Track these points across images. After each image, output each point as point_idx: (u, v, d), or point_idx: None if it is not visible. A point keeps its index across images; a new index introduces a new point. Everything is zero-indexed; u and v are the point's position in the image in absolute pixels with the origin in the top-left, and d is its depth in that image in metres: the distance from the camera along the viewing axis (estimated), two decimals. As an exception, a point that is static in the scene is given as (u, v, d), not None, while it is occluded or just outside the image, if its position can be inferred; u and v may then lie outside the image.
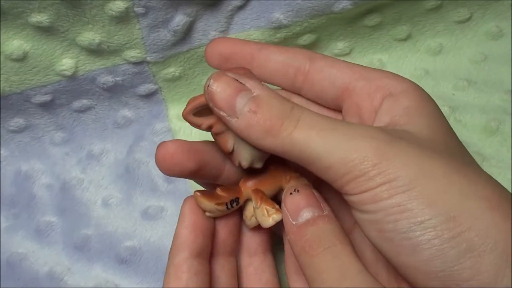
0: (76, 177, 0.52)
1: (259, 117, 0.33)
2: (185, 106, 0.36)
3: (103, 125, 0.53)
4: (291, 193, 0.36)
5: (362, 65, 0.39)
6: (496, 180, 0.33)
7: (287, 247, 0.41)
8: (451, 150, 0.34)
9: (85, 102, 0.51)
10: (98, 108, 0.52)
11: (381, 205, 0.31)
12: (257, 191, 0.38)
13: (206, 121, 0.36)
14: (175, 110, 0.54)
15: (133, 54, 0.48)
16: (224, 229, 0.40)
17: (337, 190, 0.33)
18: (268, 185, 0.39)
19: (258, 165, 0.37)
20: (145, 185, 0.51)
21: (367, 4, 0.50)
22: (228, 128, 0.35)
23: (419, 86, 0.37)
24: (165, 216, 0.50)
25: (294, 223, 0.35)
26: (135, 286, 0.48)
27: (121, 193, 0.51)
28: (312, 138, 0.32)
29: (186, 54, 0.50)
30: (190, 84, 0.53)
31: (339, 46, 0.54)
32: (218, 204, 0.38)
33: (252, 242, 0.41)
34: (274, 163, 0.39)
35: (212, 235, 0.39)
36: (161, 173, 0.46)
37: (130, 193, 0.51)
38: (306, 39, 0.51)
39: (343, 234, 0.35)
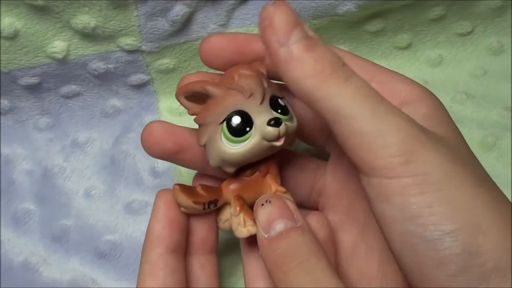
0: (59, 165, 0.51)
1: (312, 55, 0.31)
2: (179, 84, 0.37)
3: (91, 113, 0.52)
4: (262, 204, 0.35)
5: (374, 64, 0.38)
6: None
7: (244, 250, 0.39)
8: (470, 160, 0.33)
9: (73, 87, 0.50)
10: (86, 95, 0.51)
11: (411, 201, 0.29)
12: (238, 197, 0.37)
13: (194, 107, 0.36)
14: (166, 103, 0.53)
15: (128, 41, 0.47)
16: (203, 226, 0.39)
17: (357, 168, 0.31)
18: (251, 192, 0.38)
19: (228, 169, 0.36)
20: (130, 178, 0.50)
21: (371, 8, 0.49)
22: (209, 123, 0.35)
23: (431, 92, 0.36)
24: (149, 211, 0.44)
25: (266, 236, 0.33)
26: (113, 283, 0.47)
27: (104, 185, 0.50)
28: (357, 97, 0.30)
29: (183, 46, 0.49)
30: None
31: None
32: (195, 202, 0.37)
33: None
34: (263, 171, 0.38)
35: (187, 231, 0.38)
36: (147, 167, 0.48)
37: (114, 185, 0.50)
38: None
39: (317, 246, 0.33)
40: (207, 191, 0.37)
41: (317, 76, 0.30)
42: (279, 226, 0.33)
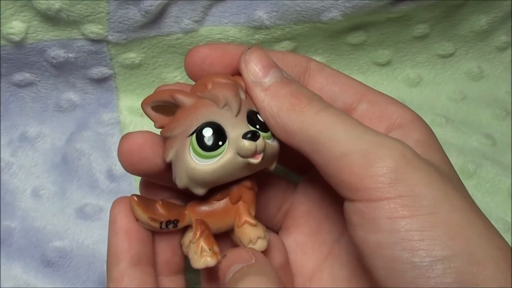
0: (5, 159, 0.48)
1: (288, 90, 0.32)
2: (145, 97, 0.33)
3: (43, 105, 0.49)
4: (224, 256, 0.33)
5: (363, 84, 0.37)
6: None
7: (202, 271, 0.37)
8: (461, 187, 0.32)
9: (27, 76, 0.47)
10: (40, 85, 0.48)
11: (400, 224, 0.27)
12: (200, 222, 0.34)
13: (161, 119, 0.33)
14: (127, 101, 0.50)
15: (93, 29, 0.44)
16: (167, 248, 0.36)
17: (341, 195, 0.30)
18: (218, 219, 0.35)
19: (198, 191, 0.33)
20: (83, 180, 0.47)
21: (356, 18, 0.48)
22: (177, 136, 0.32)
23: (421, 118, 0.35)
24: (103, 217, 0.46)
25: None
26: None
27: (54, 185, 0.47)
28: (337, 122, 0.30)
29: (152, 40, 0.46)
30: (149, 75, 0.49)
31: (316, 59, 0.50)
32: (151, 219, 0.33)
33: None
34: (235, 196, 0.34)
35: (151, 240, 0.35)
36: (103, 169, 0.46)
37: (65, 187, 0.47)
38: (285, 46, 0.49)
39: (269, 271, 0.31)
40: (167, 209, 0.34)
41: (293, 109, 0.31)
42: (231, 271, 0.31)
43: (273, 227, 0.39)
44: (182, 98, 0.32)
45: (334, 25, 0.47)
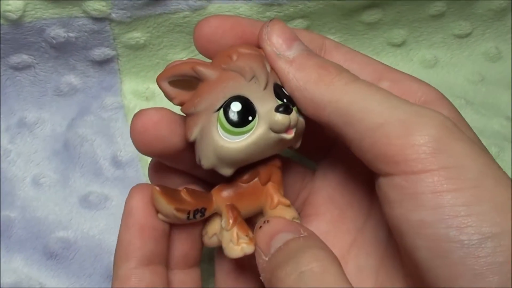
0: (2, 146, 0.46)
1: (315, 61, 0.31)
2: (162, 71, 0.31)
3: (42, 90, 0.47)
4: (260, 227, 0.31)
5: (381, 62, 0.36)
6: None
7: (218, 262, 0.36)
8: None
9: (25, 58, 0.45)
10: (39, 68, 0.46)
11: (444, 199, 0.26)
12: (232, 207, 0.32)
13: (181, 95, 0.31)
14: (131, 84, 0.48)
15: (96, 6, 0.42)
16: (186, 241, 0.34)
17: (377, 170, 0.29)
18: (247, 202, 0.33)
19: (225, 171, 0.31)
20: (87, 167, 0.46)
21: None
22: (202, 112, 0.30)
23: (444, 96, 0.34)
24: (109, 206, 0.44)
25: (266, 259, 0.30)
26: None
27: (56, 173, 0.46)
28: (370, 92, 0.29)
29: (158, 19, 0.45)
30: (154, 56, 0.47)
31: (329, 39, 0.50)
32: (178, 210, 0.31)
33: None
34: (264, 177, 0.33)
35: (167, 237, 0.33)
36: (107, 155, 0.46)
37: (68, 174, 0.46)
38: (297, 24, 0.47)
39: (325, 253, 0.29)
40: (194, 197, 0.32)
41: (321, 80, 0.30)
42: (280, 240, 0.30)
43: None
44: (205, 71, 0.30)
45: (349, 2, 0.46)
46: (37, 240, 0.44)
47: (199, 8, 0.44)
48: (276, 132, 0.30)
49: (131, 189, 0.32)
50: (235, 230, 0.31)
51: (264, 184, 0.33)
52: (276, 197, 0.33)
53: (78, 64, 0.47)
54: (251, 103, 0.30)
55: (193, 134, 0.30)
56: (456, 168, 0.26)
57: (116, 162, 0.46)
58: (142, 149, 0.31)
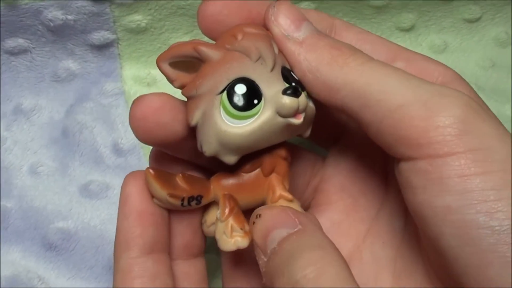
0: None
1: (326, 41, 0.30)
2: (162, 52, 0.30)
3: (39, 75, 0.46)
4: (254, 223, 0.30)
5: (394, 43, 0.35)
6: None
7: (223, 252, 0.34)
8: None
9: (21, 42, 0.45)
10: (36, 53, 0.46)
11: (473, 183, 0.25)
12: (229, 197, 0.31)
13: (182, 77, 0.29)
14: (131, 70, 0.47)
15: None
16: (187, 229, 0.33)
17: (397, 154, 0.28)
18: (247, 194, 0.32)
19: (228, 159, 0.30)
20: (87, 155, 0.45)
21: None
22: (204, 95, 0.29)
23: (461, 76, 0.33)
24: (110, 195, 0.44)
25: (265, 259, 0.29)
26: (65, 281, 0.42)
27: (54, 162, 0.45)
28: (387, 72, 0.28)
29: (160, 1, 0.44)
30: (155, 40, 0.46)
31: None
32: (171, 195, 0.30)
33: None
34: (268, 168, 0.31)
35: (167, 223, 0.32)
36: (108, 143, 0.45)
37: (67, 163, 0.45)
38: (304, 7, 0.46)
39: (325, 242, 0.28)
40: (190, 184, 0.31)
41: (335, 61, 0.29)
42: (274, 239, 0.28)
43: (301, 205, 0.36)
44: (208, 51, 0.29)
45: None
46: (35, 231, 0.43)
47: (203, -11, 0.43)
48: (283, 116, 0.28)
49: (126, 176, 0.32)
50: (230, 221, 0.30)
51: (267, 175, 0.31)
52: (278, 190, 0.31)
53: (77, 48, 0.46)
54: (257, 85, 0.28)
55: (194, 118, 0.29)
56: (484, 150, 0.25)
57: (117, 150, 0.45)
58: (142, 138, 0.30)
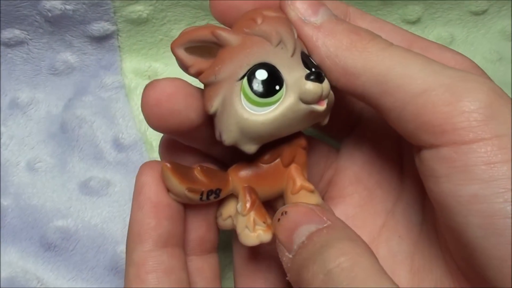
0: None
1: (345, 26, 0.29)
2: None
3: (36, 68, 0.46)
4: (279, 219, 0.29)
5: (408, 31, 0.34)
6: None
7: (236, 248, 0.35)
8: None
9: (17, 33, 0.44)
10: (32, 44, 0.45)
11: (500, 171, 0.24)
12: (249, 190, 0.30)
13: (199, 63, 0.28)
14: (132, 63, 0.46)
15: None
16: (201, 223, 0.33)
17: (420, 142, 0.27)
18: (267, 185, 0.31)
19: (249, 148, 0.29)
20: (86, 151, 0.44)
21: None
22: (223, 81, 0.28)
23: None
24: (112, 193, 0.43)
25: (290, 256, 0.28)
26: (65, 282, 0.41)
27: (52, 157, 0.44)
28: (408, 57, 0.28)
29: None
30: (156, 32, 0.45)
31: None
32: (190, 190, 0.30)
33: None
34: (287, 158, 0.31)
35: (183, 217, 0.31)
36: (108, 138, 0.44)
37: (65, 159, 0.44)
38: None
39: (356, 236, 0.28)
40: (208, 177, 0.30)
41: (354, 46, 0.29)
42: (302, 234, 0.28)
43: None
44: (227, 36, 0.28)
45: None
46: (33, 230, 0.42)
47: (207, -22, 0.42)
48: (306, 103, 0.27)
49: (142, 165, 0.31)
50: (252, 215, 0.29)
51: (287, 165, 0.31)
52: (299, 181, 0.30)
53: (75, 40, 0.45)
54: (278, 71, 0.28)
55: (214, 106, 0.28)
56: (510, 137, 0.25)
57: (118, 145, 0.44)
58: (155, 124, 0.29)
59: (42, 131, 0.45)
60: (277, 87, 0.27)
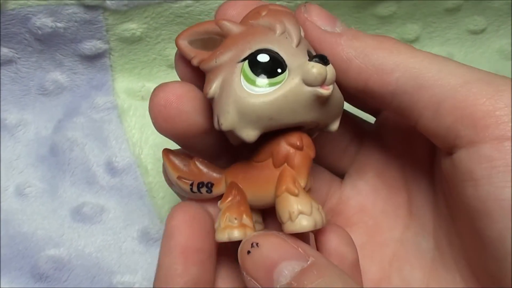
0: None
1: (367, 34, 0.29)
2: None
3: (25, 88, 0.44)
4: (248, 252, 0.26)
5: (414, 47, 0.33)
6: None
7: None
8: None
9: (5, 52, 0.43)
10: (21, 63, 0.44)
11: None
12: (232, 185, 0.29)
13: (201, 54, 0.28)
14: (124, 83, 0.45)
15: None
16: (228, 277, 0.31)
17: (450, 135, 0.26)
18: (257, 185, 0.28)
19: (247, 134, 0.26)
20: (78, 175, 0.43)
21: None
22: (224, 64, 0.27)
23: None
24: (106, 219, 0.41)
25: None
26: None
27: (42, 182, 0.43)
28: (437, 57, 0.27)
29: (157, 8, 0.42)
30: (150, 51, 0.44)
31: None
32: (180, 178, 0.29)
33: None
34: (280, 157, 0.28)
35: (214, 259, 0.30)
36: (101, 161, 0.43)
37: (56, 183, 0.42)
38: None
39: (347, 280, 0.26)
40: (202, 169, 0.30)
41: (383, 46, 0.28)
42: (285, 274, 0.25)
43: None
44: (230, 25, 0.28)
45: None
46: (23, 260, 0.41)
47: (202, -4, 0.41)
48: (310, 85, 0.26)
49: (173, 208, 0.30)
50: (225, 210, 0.28)
51: (277, 165, 0.28)
52: (284, 184, 0.27)
53: (66, 59, 0.44)
54: (281, 57, 0.26)
55: (213, 88, 0.27)
56: None
57: (112, 169, 0.43)
58: (163, 126, 0.29)
59: (31, 154, 0.44)
60: (279, 70, 0.26)
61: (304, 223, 0.26)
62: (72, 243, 0.41)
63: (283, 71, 0.26)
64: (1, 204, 0.42)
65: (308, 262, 0.25)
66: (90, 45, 0.43)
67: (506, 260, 0.24)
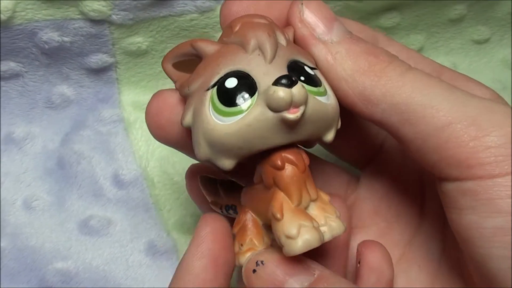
0: None
1: (362, 46, 0.28)
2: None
3: (32, 101, 0.44)
4: (254, 271, 0.27)
5: (434, 61, 0.34)
6: None
7: None
8: None
9: (12, 66, 0.42)
10: (28, 77, 0.43)
11: None
12: (242, 210, 0.29)
13: (182, 77, 0.28)
14: (130, 96, 0.45)
15: (95, 6, 0.39)
16: None
17: (442, 173, 0.26)
18: (262, 207, 0.27)
19: (223, 163, 0.26)
20: (85, 188, 0.43)
21: None
22: (195, 93, 0.27)
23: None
24: (113, 232, 0.41)
25: None
26: None
27: (50, 195, 0.43)
28: (430, 85, 0.27)
29: (162, 22, 0.42)
30: (156, 64, 0.44)
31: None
32: (212, 203, 0.31)
33: None
34: (266, 180, 0.27)
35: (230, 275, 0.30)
36: (108, 174, 0.43)
37: (64, 197, 0.42)
38: None
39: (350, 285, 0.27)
40: (226, 192, 0.31)
41: (373, 71, 0.27)
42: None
43: None
44: (203, 45, 0.27)
45: (367, 4, 0.43)
46: (31, 273, 0.41)
47: (207, 10, 0.41)
48: (274, 110, 0.24)
49: (202, 217, 0.29)
50: (236, 236, 0.28)
51: (269, 188, 0.27)
52: (270, 209, 0.26)
53: (72, 72, 0.44)
54: (252, 78, 0.25)
55: (186, 118, 0.26)
56: None
57: (118, 182, 0.43)
58: (157, 134, 0.29)
59: (38, 167, 0.44)
60: (246, 95, 0.25)
61: (294, 248, 0.25)
62: (79, 256, 0.41)
63: (252, 94, 0.25)
64: (9, 217, 0.42)
65: (315, 276, 0.26)
66: (97, 59, 0.43)
67: (491, 280, 0.25)
